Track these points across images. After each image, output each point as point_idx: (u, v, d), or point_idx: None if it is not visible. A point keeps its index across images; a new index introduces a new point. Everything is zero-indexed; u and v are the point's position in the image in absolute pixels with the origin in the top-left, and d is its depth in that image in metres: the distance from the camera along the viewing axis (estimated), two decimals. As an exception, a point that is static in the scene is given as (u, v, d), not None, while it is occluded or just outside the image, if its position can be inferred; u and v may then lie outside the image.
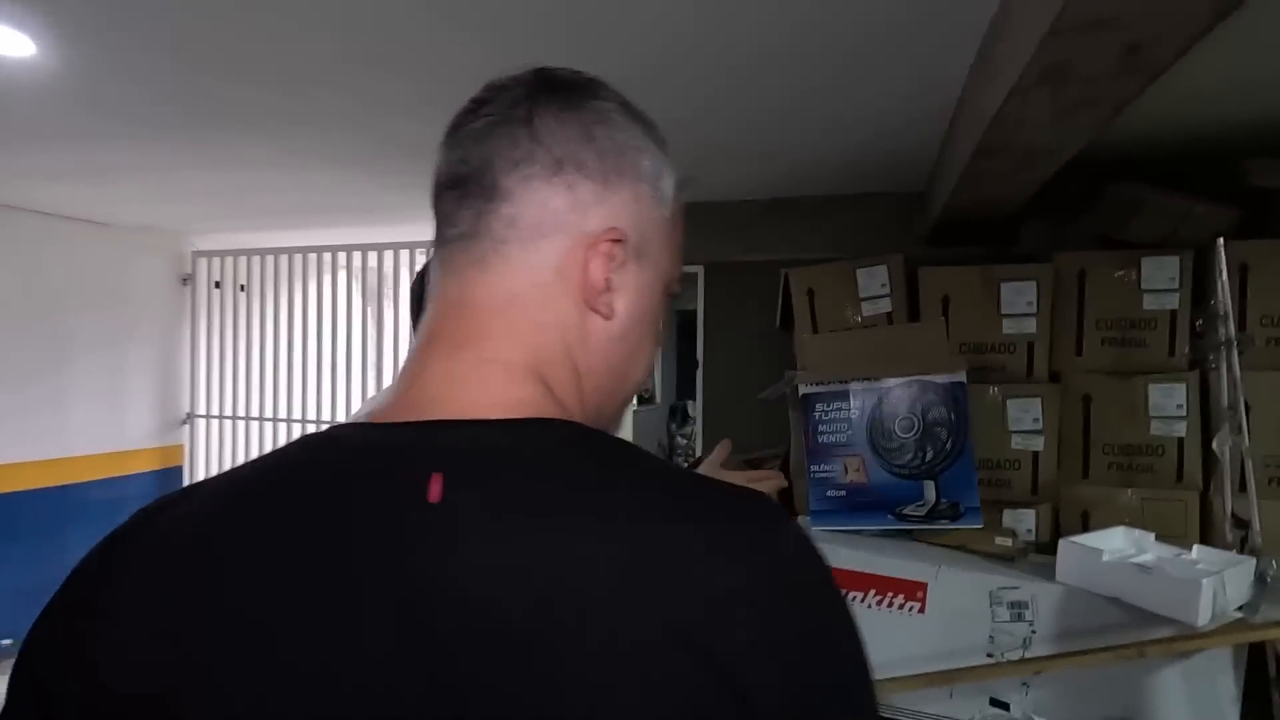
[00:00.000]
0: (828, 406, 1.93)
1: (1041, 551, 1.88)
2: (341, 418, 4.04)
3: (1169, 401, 1.95)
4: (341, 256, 4.21)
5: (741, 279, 2.92)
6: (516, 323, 0.43)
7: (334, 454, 0.40)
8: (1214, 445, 1.79)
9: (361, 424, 0.42)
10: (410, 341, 1.15)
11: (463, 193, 0.44)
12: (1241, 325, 1.85)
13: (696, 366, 3.19)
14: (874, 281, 2.16)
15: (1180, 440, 1.95)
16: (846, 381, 1.92)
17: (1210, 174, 1.97)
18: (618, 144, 0.45)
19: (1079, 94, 1.19)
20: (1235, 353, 1.73)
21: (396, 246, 3.86)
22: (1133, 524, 1.81)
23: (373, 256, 4.02)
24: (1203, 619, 1.47)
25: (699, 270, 2.95)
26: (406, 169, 2.66)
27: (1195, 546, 1.71)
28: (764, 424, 2.85)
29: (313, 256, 4.05)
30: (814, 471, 1.93)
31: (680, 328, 5.37)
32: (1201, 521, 1.93)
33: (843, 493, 1.90)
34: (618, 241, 0.44)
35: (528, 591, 0.34)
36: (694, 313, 3.07)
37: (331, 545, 0.36)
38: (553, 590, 0.34)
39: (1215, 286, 1.79)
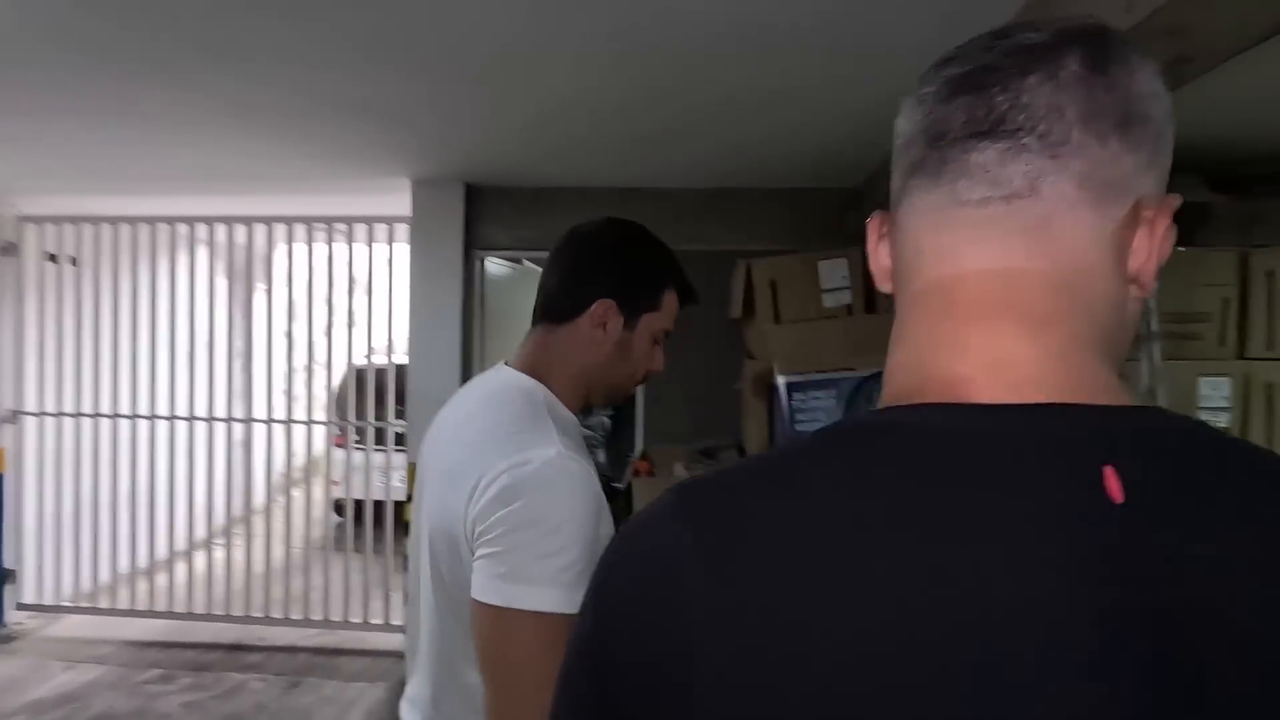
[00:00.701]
0: (805, 396, 1.96)
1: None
2: (200, 413, 3.55)
3: (1087, 388, 2.18)
4: (202, 230, 3.70)
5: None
6: (1084, 296, 0.38)
7: (946, 446, 0.34)
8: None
9: (949, 407, 0.36)
10: (616, 323, 0.97)
11: (1014, 145, 0.37)
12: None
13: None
14: (835, 274, 2.22)
15: (1095, 423, 2.19)
16: (825, 371, 1.96)
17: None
18: (1165, 110, 0.41)
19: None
20: (1156, 345, 1.97)
21: (268, 220, 3.44)
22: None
23: (241, 231, 3.56)
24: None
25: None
26: (284, 129, 2.31)
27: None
28: (705, 415, 2.87)
29: (167, 229, 3.51)
30: (792, 459, 1.95)
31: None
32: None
33: (820, 480, 1.94)
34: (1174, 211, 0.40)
35: None
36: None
37: (1013, 551, 0.31)
38: None
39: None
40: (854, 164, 2.58)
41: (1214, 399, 2.17)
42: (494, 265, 3.10)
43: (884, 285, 0.45)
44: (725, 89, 1.95)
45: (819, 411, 1.96)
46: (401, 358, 3.43)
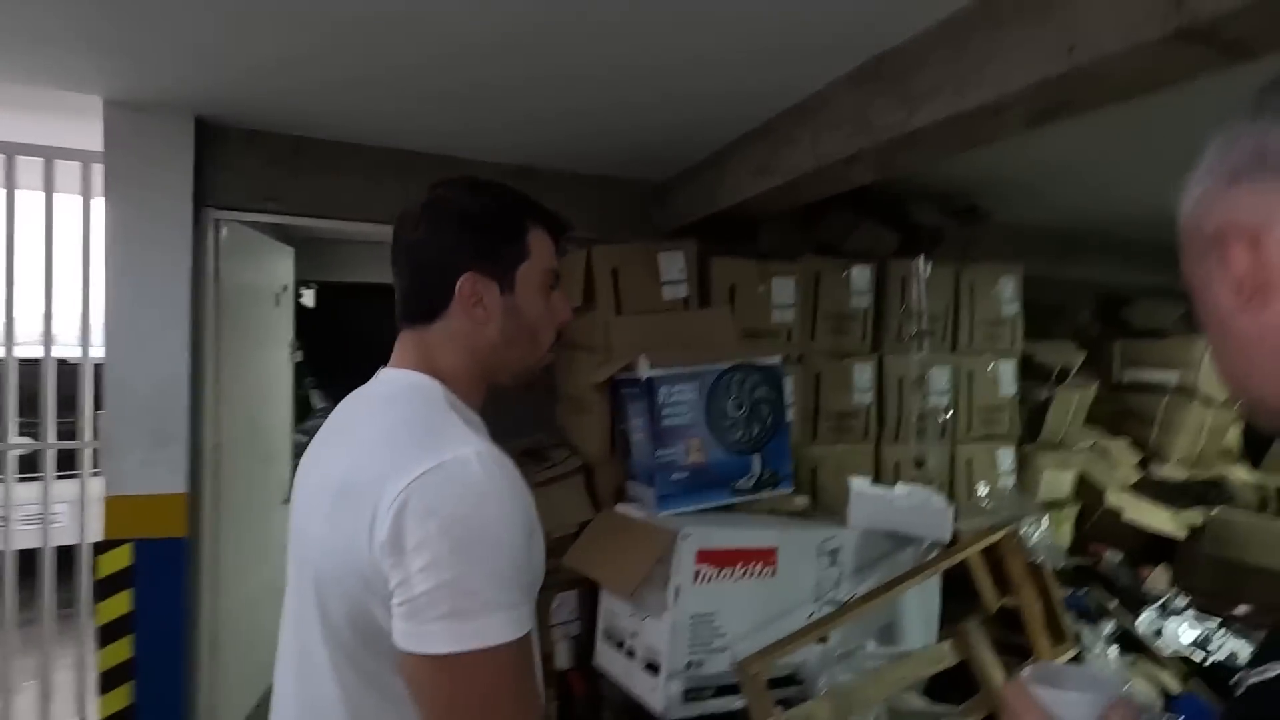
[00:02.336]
0: (670, 389, 1.91)
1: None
2: None
3: (863, 378, 2.54)
4: None
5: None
6: None
7: None
8: (913, 406, 2.42)
9: None
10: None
11: None
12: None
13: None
14: (674, 266, 2.22)
15: (867, 407, 2.56)
16: (689, 364, 1.93)
17: (876, 206, 2.63)
18: None
19: (1005, 120, 1.44)
20: (924, 340, 2.38)
21: None
22: (839, 474, 2.32)
23: None
24: (949, 536, 2.01)
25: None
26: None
27: (899, 484, 2.28)
28: (513, 413, 2.63)
29: None
30: (660, 456, 1.89)
31: (303, 312, 4.42)
32: (875, 464, 2.58)
33: (686, 474, 1.92)
34: None
35: None
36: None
37: None
38: None
39: (910, 291, 2.43)
40: (663, 158, 2.61)
41: (939, 384, 2.72)
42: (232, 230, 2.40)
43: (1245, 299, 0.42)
44: (547, 56, 1.77)
45: (683, 405, 1.93)
46: (67, 349, 2.47)
